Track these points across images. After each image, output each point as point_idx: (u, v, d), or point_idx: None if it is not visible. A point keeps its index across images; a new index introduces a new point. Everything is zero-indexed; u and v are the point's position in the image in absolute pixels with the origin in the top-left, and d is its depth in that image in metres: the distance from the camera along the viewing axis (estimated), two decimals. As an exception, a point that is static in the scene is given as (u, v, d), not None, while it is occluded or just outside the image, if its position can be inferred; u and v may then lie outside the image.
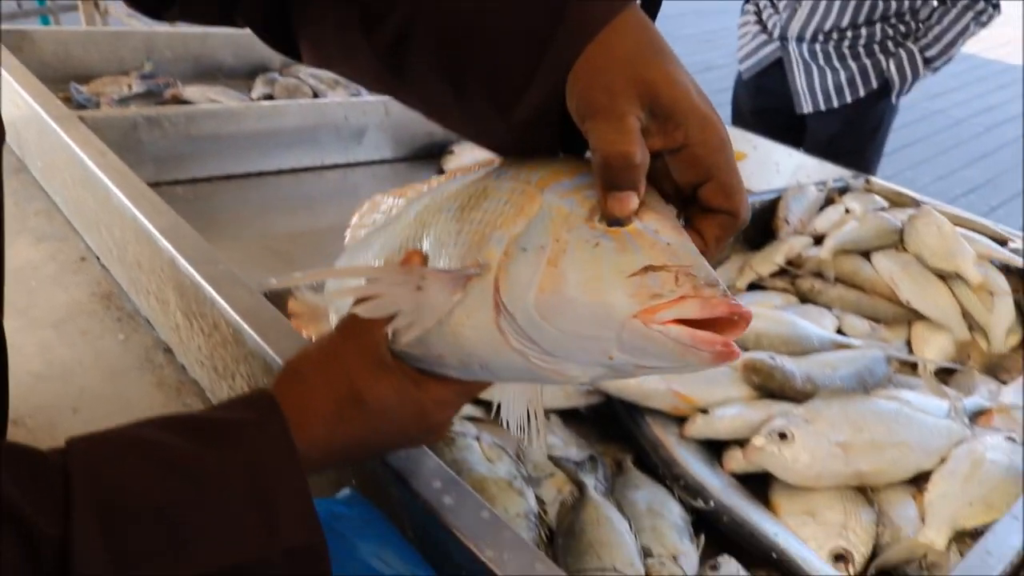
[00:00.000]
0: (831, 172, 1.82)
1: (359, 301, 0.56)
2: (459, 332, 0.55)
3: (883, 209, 1.59)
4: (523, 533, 0.79)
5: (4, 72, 1.50)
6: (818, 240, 1.53)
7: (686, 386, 1.03)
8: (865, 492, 0.97)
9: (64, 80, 1.90)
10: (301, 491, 0.53)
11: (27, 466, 0.46)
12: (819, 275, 1.44)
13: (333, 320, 0.75)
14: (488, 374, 0.59)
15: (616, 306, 0.49)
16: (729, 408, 1.02)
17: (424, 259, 0.59)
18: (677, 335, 0.48)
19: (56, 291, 1.19)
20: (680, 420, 1.02)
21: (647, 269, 0.50)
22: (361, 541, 0.64)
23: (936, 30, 2.22)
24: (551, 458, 0.92)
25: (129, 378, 1.04)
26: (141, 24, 4.34)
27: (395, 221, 0.66)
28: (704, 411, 1.01)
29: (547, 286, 0.51)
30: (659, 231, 0.52)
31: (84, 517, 0.45)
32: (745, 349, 1.14)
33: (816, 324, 1.27)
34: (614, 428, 1.05)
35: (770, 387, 1.06)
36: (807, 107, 2.33)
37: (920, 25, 2.25)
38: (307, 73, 2.16)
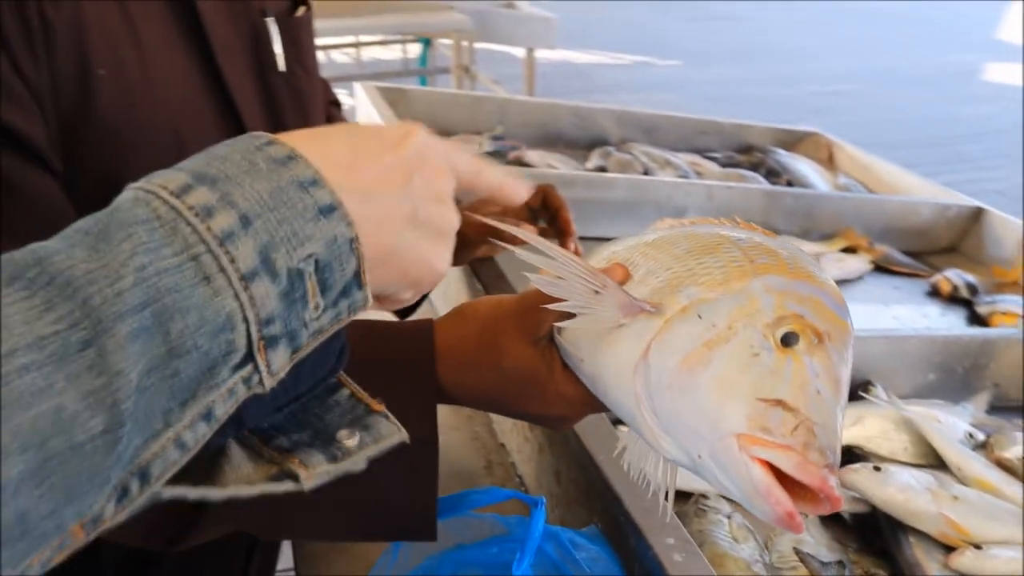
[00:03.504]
0: None
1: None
2: (606, 350, 0.59)
3: None
4: (754, 617, 0.81)
5: (381, 121, 1.76)
6: None
7: (961, 515, 0.97)
8: None
9: (429, 134, 2.17)
10: (428, 394, 0.65)
11: None
12: None
13: None
14: (604, 399, 0.62)
15: (727, 417, 0.51)
16: (1008, 550, 0.95)
17: (627, 275, 0.63)
18: (755, 475, 0.50)
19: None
20: (948, 549, 0.97)
21: (778, 403, 0.51)
22: (593, 573, 0.70)
23: None
24: (797, 552, 0.92)
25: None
26: (503, 91, 4.80)
27: (641, 238, 0.69)
28: (977, 546, 0.95)
29: (690, 363, 0.54)
30: (821, 375, 0.53)
31: None
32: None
33: None
34: (876, 542, 1.01)
35: (1062, 538, 0.97)
36: None
37: None
38: (640, 151, 2.28)
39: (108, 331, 0.33)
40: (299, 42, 0.89)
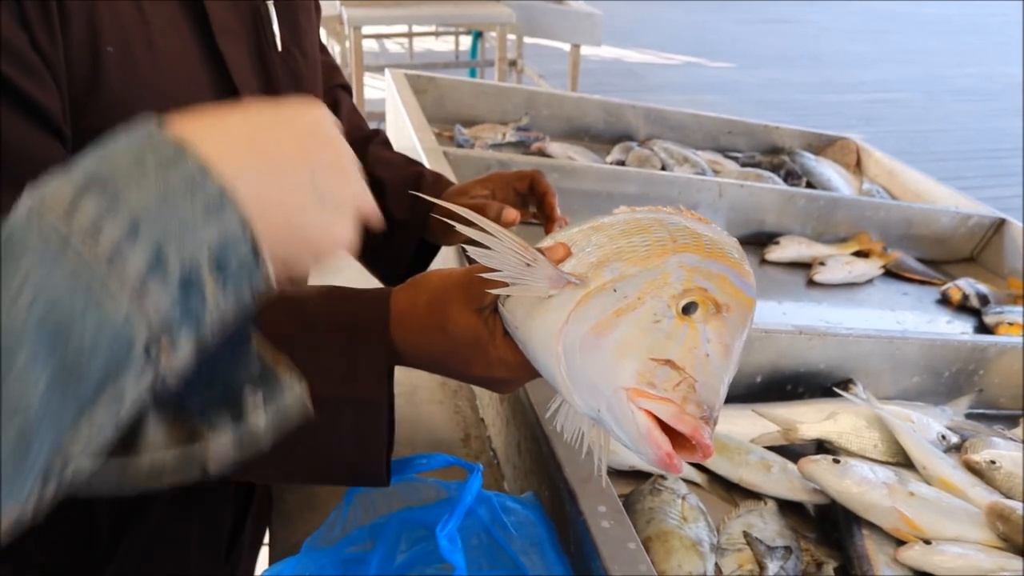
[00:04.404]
0: None
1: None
2: (537, 317, 0.64)
3: None
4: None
5: (402, 108, 1.80)
6: None
7: (915, 511, 0.99)
8: None
9: (453, 121, 2.22)
10: (380, 356, 0.71)
11: None
12: None
13: None
14: (534, 362, 0.67)
15: (622, 373, 0.57)
16: (956, 547, 0.97)
17: (567, 253, 0.68)
18: (640, 421, 0.55)
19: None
20: (900, 543, 0.99)
21: (667, 362, 0.57)
22: (519, 536, 0.73)
23: None
24: (746, 535, 0.95)
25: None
26: (547, 86, 4.82)
27: (588, 222, 0.74)
28: (927, 541, 0.97)
29: (598, 329, 0.59)
30: (712, 341, 0.58)
31: None
32: (1009, 497, 1.07)
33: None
34: (835, 534, 1.04)
35: (1016, 542, 0.99)
36: None
37: None
38: (661, 147, 2.30)
39: (12, 356, 0.38)
40: (296, 25, 0.93)
